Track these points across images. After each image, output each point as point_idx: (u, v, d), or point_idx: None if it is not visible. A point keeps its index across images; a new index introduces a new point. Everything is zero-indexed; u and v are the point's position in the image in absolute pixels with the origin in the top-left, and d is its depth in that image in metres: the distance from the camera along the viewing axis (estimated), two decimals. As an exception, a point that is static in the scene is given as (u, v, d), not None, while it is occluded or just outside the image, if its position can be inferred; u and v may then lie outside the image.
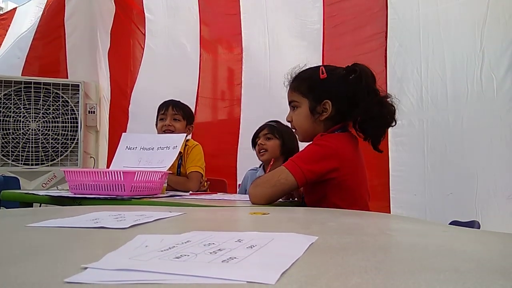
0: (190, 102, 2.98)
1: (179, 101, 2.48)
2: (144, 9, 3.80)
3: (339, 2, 2.92)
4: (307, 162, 1.33)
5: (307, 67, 1.50)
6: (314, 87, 1.42)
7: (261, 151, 2.25)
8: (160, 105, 2.44)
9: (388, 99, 1.40)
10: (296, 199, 1.58)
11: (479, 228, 1.42)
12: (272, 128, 2.26)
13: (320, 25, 2.98)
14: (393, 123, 1.41)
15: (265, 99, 3.13)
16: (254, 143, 2.32)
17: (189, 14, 3.60)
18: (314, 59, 2.94)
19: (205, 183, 2.37)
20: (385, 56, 2.66)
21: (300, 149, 2.09)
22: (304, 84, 1.45)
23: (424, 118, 2.51)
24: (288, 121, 1.54)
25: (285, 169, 1.33)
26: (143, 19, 3.80)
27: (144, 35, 3.79)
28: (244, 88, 3.36)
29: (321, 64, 2.86)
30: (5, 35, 4.13)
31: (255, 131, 2.37)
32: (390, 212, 2.50)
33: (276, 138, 2.22)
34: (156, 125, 2.43)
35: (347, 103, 1.40)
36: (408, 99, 2.56)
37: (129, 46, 3.89)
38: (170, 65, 3.68)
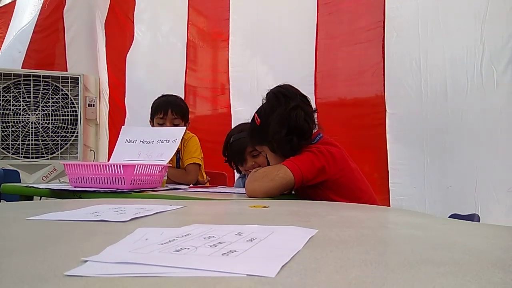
0: (179, 92, 2.96)
1: (175, 100, 2.35)
2: None
3: None
4: (303, 162, 1.40)
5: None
6: (260, 134, 1.57)
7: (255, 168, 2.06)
8: (157, 106, 2.28)
9: (297, 111, 1.47)
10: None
11: (479, 221, 1.42)
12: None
13: (314, 12, 2.88)
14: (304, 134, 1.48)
15: (253, 89, 3.08)
16: (241, 163, 2.02)
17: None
18: (306, 49, 2.90)
19: (205, 179, 2.37)
20: (383, 47, 2.61)
21: None
22: (254, 137, 1.63)
23: (423, 110, 2.50)
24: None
25: (282, 165, 1.39)
26: (133, 7, 3.77)
27: (133, 23, 3.76)
28: (231, 77, 3.30)
29: (314, 56, 2.84)
30: (7, 29, 4.12)
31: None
32: (389, 205, 2.50)
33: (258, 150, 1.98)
34: (151, 122, 2.31)
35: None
36: (407, 91, 2.54)
37: (125, 37, 3.86)
38: (159, 53, 3.66)
